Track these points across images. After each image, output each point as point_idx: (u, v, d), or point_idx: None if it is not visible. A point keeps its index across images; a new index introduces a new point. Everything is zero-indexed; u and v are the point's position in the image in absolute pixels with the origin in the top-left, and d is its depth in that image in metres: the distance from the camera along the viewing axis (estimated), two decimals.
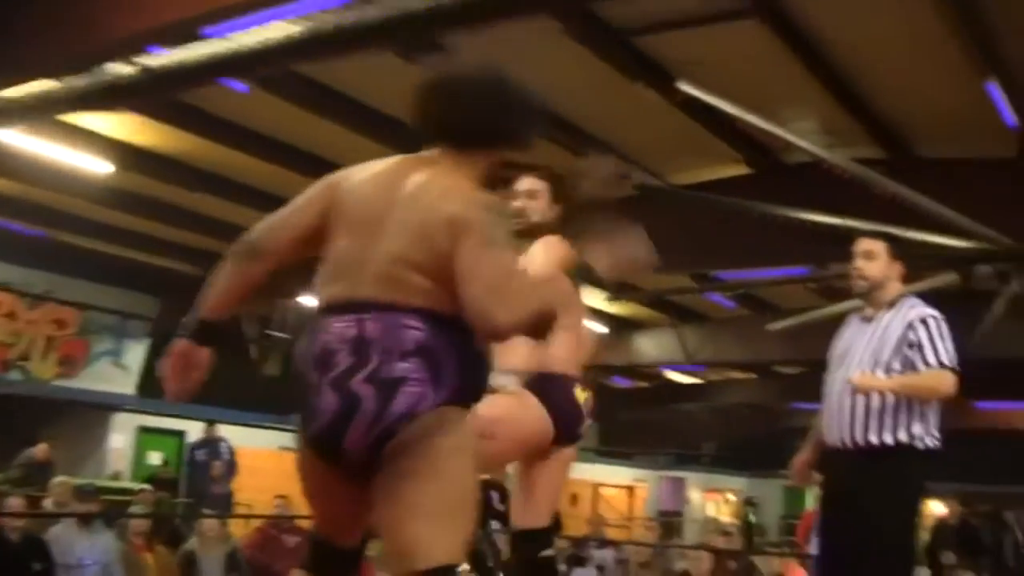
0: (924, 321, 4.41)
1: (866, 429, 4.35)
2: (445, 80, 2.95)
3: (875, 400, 4.35)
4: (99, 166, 11.43)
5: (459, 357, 2.69)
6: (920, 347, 4.38)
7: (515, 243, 2.91)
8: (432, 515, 2.64)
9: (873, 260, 4.57)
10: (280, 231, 2.93)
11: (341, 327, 2.69)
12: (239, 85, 9.76)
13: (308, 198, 2.94)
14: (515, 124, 2.95)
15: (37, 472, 13.08)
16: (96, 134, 11.30)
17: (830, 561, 4.59)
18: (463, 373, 2.69)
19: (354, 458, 2.69)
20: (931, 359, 4.35)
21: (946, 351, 4.35)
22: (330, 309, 2.76)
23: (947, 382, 4.33)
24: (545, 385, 3.73)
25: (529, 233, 3.80)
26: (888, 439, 4.31)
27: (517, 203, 3.83)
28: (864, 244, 4.62)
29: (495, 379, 3.51)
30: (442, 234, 2.68)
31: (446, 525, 2.66)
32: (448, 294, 2.67)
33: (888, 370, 4.37)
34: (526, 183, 3.92)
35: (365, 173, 2.92)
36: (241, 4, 6.93)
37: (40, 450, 13.36)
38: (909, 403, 4.32)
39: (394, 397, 2.62)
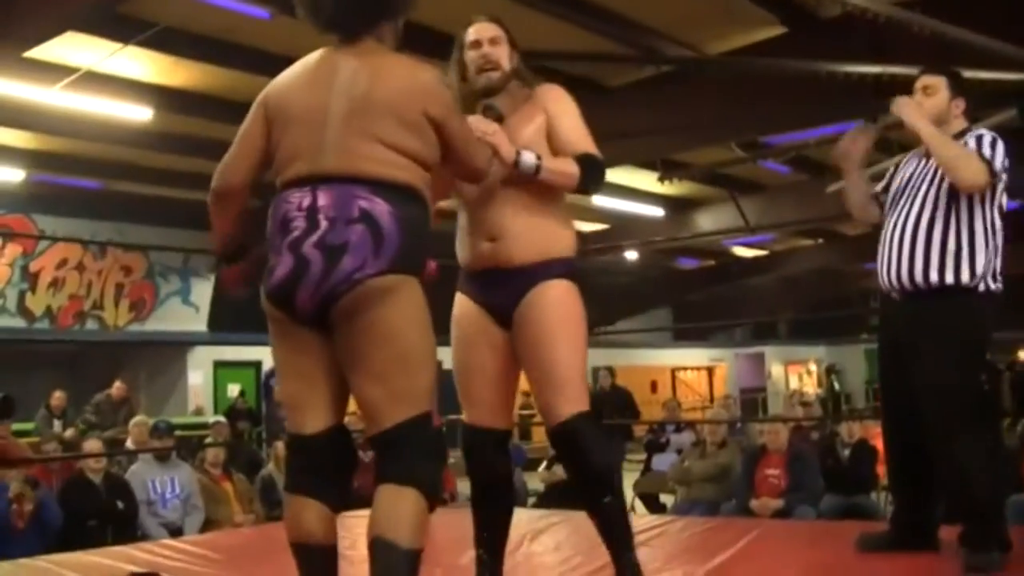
0: (978, 137, 4.17)
1: (926, 267, 4.12)
2: None
3: (920, 237, 4.16)
4: (139, 112, 11.49)
5: (403, 227, 2.89)
6: (968, 144, 4.16)
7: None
8: (385, 376, 2.89)
9: (932, 96, 4.34)
10: (234, 167, 3.18)
11: (298, 197, 2.93)
12: (260, 12, 9.72)
13: (248, 124, 3.17)
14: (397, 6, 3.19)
15: (113, 411, 13.37)
16: (129, 80, 11.36)
17: (894, 424, 4.43)
18: (405, 242, 2.89)
19: (305, 317, 2.93)
20: (972, 145, 4.13)
21: (990, 151, 4.09)
22: (289, 184, 2.98)
23: (974, 166, 4.06)
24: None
25: (504, 82, 3.70)
26: (949, 278, 4.08)
27: (483, 50, 3.69)
28: (923, 80, 4.38)
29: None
30: (414, 105, 2.99)
31: (400, 383, 2.90)
32: (403, 163, 2.96)
33: (948, 207, 4.16)
34: (488, 30, 3.73)
35: (292, 74, 3.14)
36: None
37: (116, 388, 13.62)
38: (962, 240, 4.12)
39: (338, 262, 2.84)
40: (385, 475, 2.90)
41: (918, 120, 4.20)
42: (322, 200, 2.88)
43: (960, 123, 4.32)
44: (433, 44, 6.07)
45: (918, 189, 4.27)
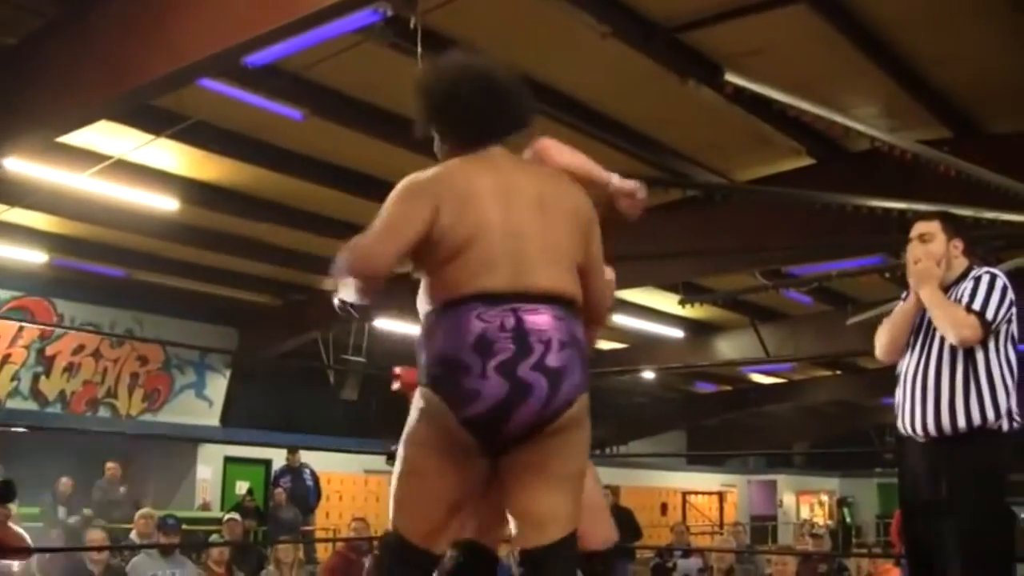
0: (977, 278, 4.25)
1: (938, 414, 4.13)
2: (488, 76, 3.12)
3: (944, 383, 4.18)
4: (165, 203, 11.58)
5: (586, 349, 3.00)
6: (963, 295, 4.23)
7: None
8: (569, 489, 2.99)
9: (930, 242, 4.41)
10: (387, 252, 2.97)
11: (497, 315, 2.88)
12: (293, 113, 9.84)
13: (408, 210, 2.99)
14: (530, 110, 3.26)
15: (111, 495, 13.35)
16: (158, 171, 11.47)
17: (917, 561, 4.37)
18: (587, 364, 2.98)
19: (510, 439, 2.91)
20: (965, 299, 4.19)
21: (984, 300, 4.15)
22: (478, 298, 2.90)
23: (962, 323, 4.11)
24: None
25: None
26: (976, 420, 4.09)
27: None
28: (918, 227, 4.47)
29: None
30: (586, 228, 3.12)
31: (574, 499, 3.01)
32: (579, 285, 3.05)
33: (966, 349, 4.15)
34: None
35: (461, 172, 3.05)
36: (279, 30, 6.94)
37: (109, 470, 13.61)
38: (981, 384, 4.14)
39: (559, 386, 2.87)
40: None
41: (923, 285, 4.30)
42: (531, 322, 2.87)
43: (961, 263, 4.40)
44: None
45: (935, 332, 4.27)
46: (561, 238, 3.00)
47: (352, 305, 3.14)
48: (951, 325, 4.16)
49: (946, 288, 4.33)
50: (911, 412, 4.24)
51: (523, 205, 2.99)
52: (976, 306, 4.16)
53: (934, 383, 4.19)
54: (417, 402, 2.97)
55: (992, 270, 4.34)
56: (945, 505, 4.09)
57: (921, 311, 4.35)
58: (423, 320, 3.00)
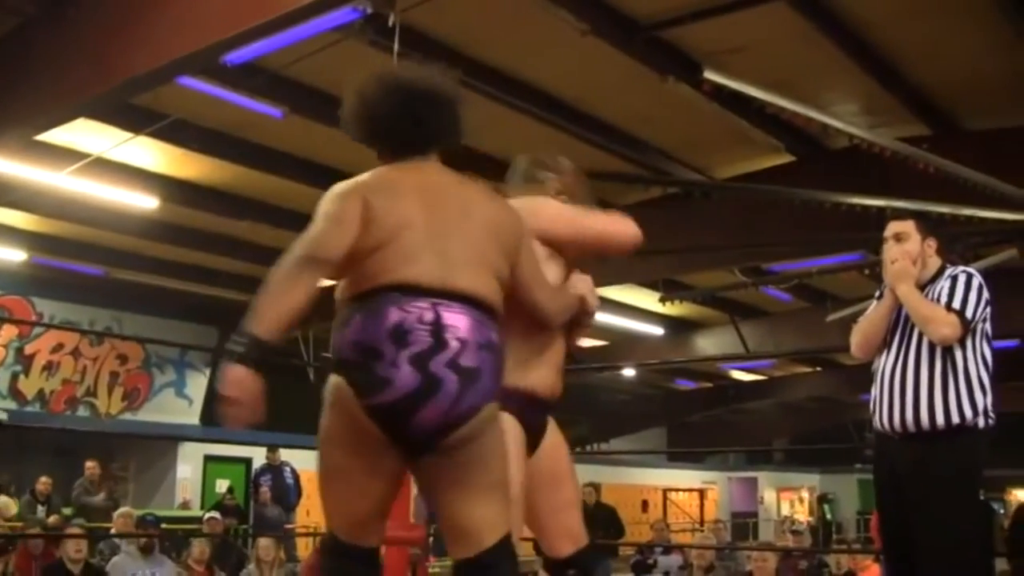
0: (954, 277, 4.29)
1: (916, 411, 4.16)
2: (408, 90, 3.11)
3: (924, 380, 4.20)
4: (145, 201, 11.55)
5: (503, 357, 2.95)
6: (941, 294, 4.26)
7: None
8: (493, 497, 2.94)
9: (905, 241, 4.44)
10: (336, 240, 2.91)
11: (417, 308, 2.81)
12: (273, 111, 9.83)
13: (345, 208, 2.95)
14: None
15: (91, 494, 13.36)
16: (138, 169, 11.45)
17: (895, 557, 4.39)
18: (503, 372, 2.95)
19: (417, 435, 2.83)
20: (943, 299, 4.23)
21: (963, 299, 4.19)
22: (398, 288, 2.84)
23: (943, 321, 4.16)
24: None
25: None
26: (955, 418, 4.12)
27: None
28: (893, 227, 4.50)
29: None
30: (512, 243, 3.08)
31: (502, 505, 2.97)
32: (500, 295, 3.00)
33: (944, 348, 4.20)
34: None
35: (390, 177, 3.07)
36: (258, 28, 6.93)
37: (89, 468, 13.61)
38: (959, 381, 4.17)
39: (471, 386, 2.81)
40: None
41: (900, 284, 4.33)
42: (450, 319, 2.81)
43: (936, 261, 4.43)
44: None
45: (911, 330, 4.31)
46: (484, 247, 2.97)
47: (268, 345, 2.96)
48: (931, 323, 4.19)
49: (922, 287, 4.36)
50: (888, 409, 4.26)
51: (448, 208, 2.99)
52: (955, 304, 4.19)
53: (912, 380, 4.21)
54: (326, 394, 2.91)
55: (968, 269, 4.38)
56: (923, 502, 4.12)
57: (897, 309, 4.38)
58: (339, 312, 2.92)
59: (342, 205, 2.97)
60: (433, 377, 2.75)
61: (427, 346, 2.76)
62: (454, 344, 2.78)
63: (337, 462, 2.97)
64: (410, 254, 2.88)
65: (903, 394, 4.22)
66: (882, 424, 4.31)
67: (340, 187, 3.03)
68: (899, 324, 4.37)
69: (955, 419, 4.12)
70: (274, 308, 2.82)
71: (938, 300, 4.25)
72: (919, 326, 4.24)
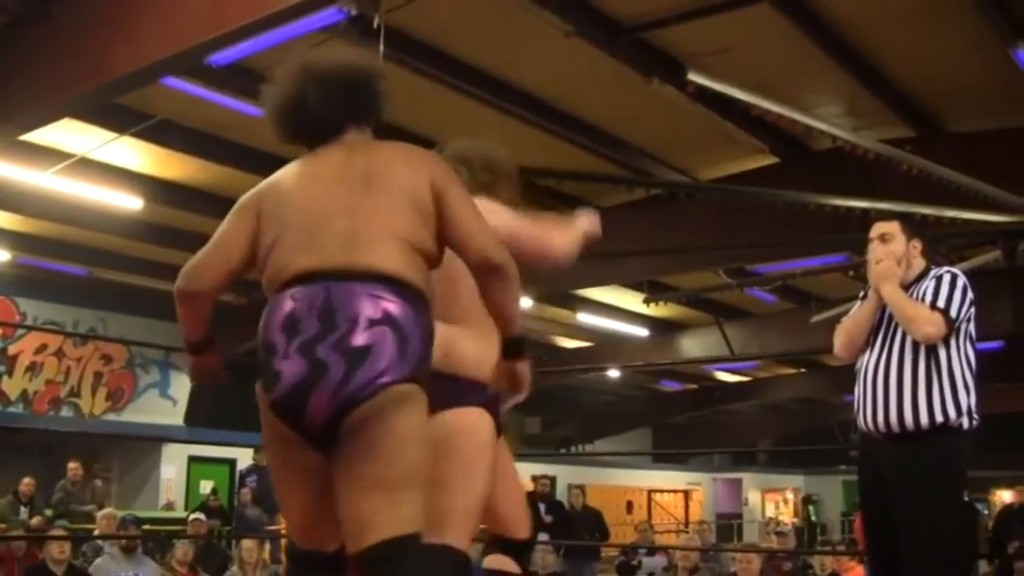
0: (938, 277, 4.29)
1: (900, 411, 4.15)
2: (324, 68, 3.02)
3: (907, 380, 4.19)
4: (129, 201, 11.51)
5: (425, 332, 2.70)
6: (926, 294, 4.26)
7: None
8: (384, 490, 2.63)
9: (890, 242, 4.43)
10: (206, 268, 2.98)
11: (307, 294, 2.68)
12: (258, 111, 9.79)
13: (228, 226, 2.97)
14: (380, 99, 3.08)
15: (80, 491, 13.33)
16: (122, 169, 11.42)
17: (879, 558, 4.39)
18: (426, 349, 2.70)
19: (316, 425, 2.65)
20: (928, 298, 4.23)
21: (947, 298, 4.19)
22: (292, 282, 2.74)
23: (928, 320, 4.15)
24: None
25: None
26: (938, 418, 4.11)
27: None
28: (878, 228, 4.50)
29: None
30: (427, 203, 2.82)
31: (398, 499, 2.65)
32: (413, 262, 2.76)
33: (928, 348, 4.20)
34: None
35: (286, 173, 2.98)
36: (243, 29, 6.92)
37: (71, 470, 13.59)
38: (943, 382, 4.16)
39: (360, 365, 2.60)
40: None
41: (884, 284, 4.32)
42: (339, 298, 2.65)
43: (920, 262, 4.43)
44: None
45: (895, 330, 4.31)
46: (389, 215, 2.77)
47: (197, 342, 3.17)
48: (915, 322, 4.19)
49: (906, 287, 4.36)
50: (872, 409, 4.25)
51: (350, 184, 2.83)
52: (940, 304, 4.19)
53: (896, 380, 4.21)
54: None
55: (952, 269, 4.38)
56: (906, 502, 4.12)
57: (881, 309, 4.39)
58: None
59: (228, 224, 2.99)
60: (319, 362, 2.60)
61: (315, 331, 2.62)
62: (343, 325, 2.61)
63: (274, 464, 2.87)
64: (305, 243, 2.78)
65: (887, 394, 4.21)
66: (866, 424, 4.30)
67: (240, 200, 3.02)
68: (883, 324, 4.36)
69: (939, 419, 4.11)
70: (186, 326, 3.13)
71: (922, 300, 4.25)
72: (903, 325, 4.24)
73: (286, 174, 2.96)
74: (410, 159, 2.92)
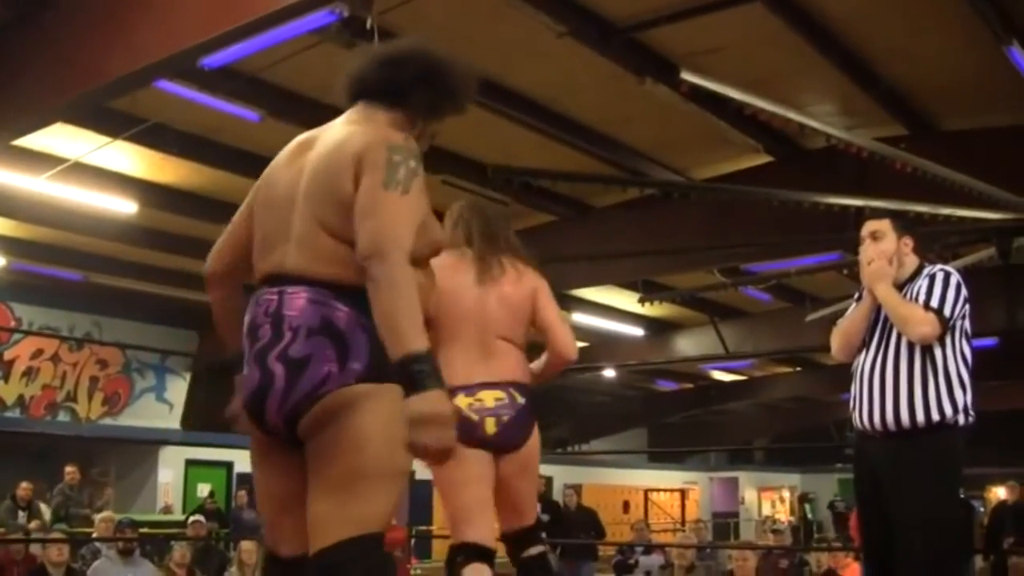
0: (932, 276, 4.29)
1: (896, 410, 4.16)
2: (369, 49, 3.00)
3: (903, 378, 4.19)
4: (123, 206, 11.49)
5: (370, 333, 2.57)
6: (919, 293, 4.26)
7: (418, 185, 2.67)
8: (336, 491, 2.57)
9: (881, 240, 4.43)
10: (217, 251, 2.97)
11: (266, 300, 2.69)
12: (250, 114, 9.82)
13: (240, 209, 2.95)
14: (422, 83, 2.87)
15: (72, 497, 13.35)
16: (116, 174, 11.41)
17: (875, 556, 4.39)
18: (376, 350, 2.56)
19: (273, 431, 2.69)
20: (921, 298, 4.22)
21: (940, 297, 4.19)
22: (261, 282, 2.75)
23: (921, 320, 4.15)
24: None
25: None
26: (934, 416, 4.11)
27: None
28: (869, 226, 4.50)
29: None
30: (345, 177, 2.64)
31: (351, 500, 2.57)
32: (343, 261, 2.62)
33: (923, 347, 4.18)
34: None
35: (281, 154, 2.91)
36: (236, 31, 6.92)
37: (68, 474, 13.62)
38: (939, 379, 4.16)
39: (300, 376, 2.59)
40: None
41: (877, 285, 4.32)
42: (286, 307, 2.64)
43: (913, 260, 4.43)
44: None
45: (891, 329, 4.31)
46: (314, 207, 2.67)
47: (217, 360, 3.11)
48: (909, 322, 4.20)
49: (899, 286, 4.36)
50: (868, 408, 4.26)
51: (301, 174, 2.74)
52: (934, 303, 4.19)
53: (892, 379, 4.22)
54: None
55: (945, 267, 4.39)
56: (902, 500, 4.12)
57: (876, 309, 4.40)
58: None
59: (240, 207, 2.96)
60: (268, 372, 2.62)
61: (267, 340, 2.64)
62: (287, 335, 2.61)
63: (254, 464, 2.86)
64: (265, 241, 2.77)
65: (883, 392, 4.22)
66: (862, 423, 4.30)
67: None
68: (878, 323, 4.37)
69: (935, 416, 4.12)
70: (220, 329, 2.97)
71: (916, 299, 4.25)
72: (898, 326, 4.25)
73: (278, 157, 2.91)
74: (344, 147, 2.70)
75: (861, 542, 4.67)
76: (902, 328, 4.23)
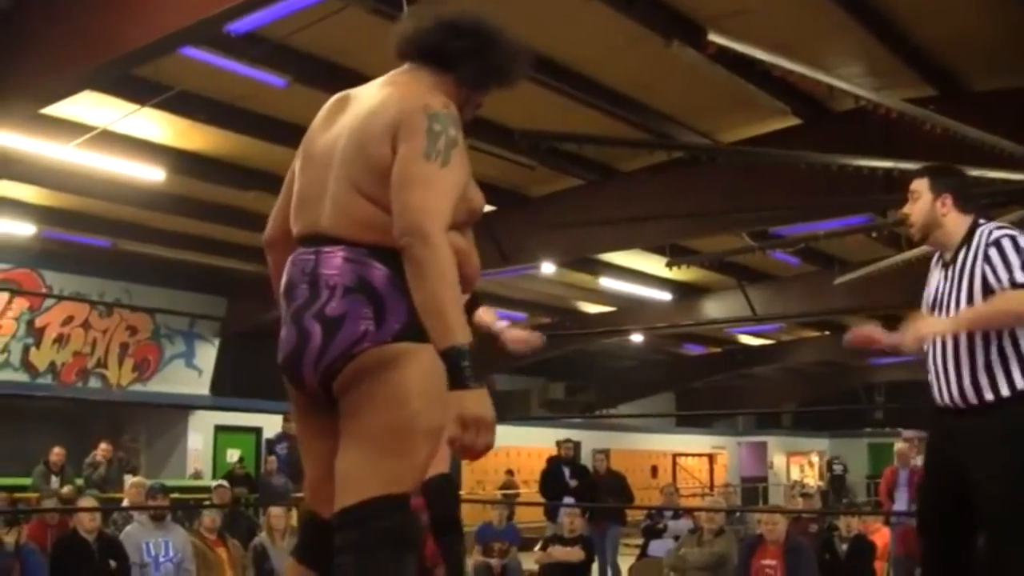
0: (997, 243, 4.03)
1: (976, 383, 4.00)
2: (424, 10, 2.91)
3: (979, 352, 4.00)
4: (151, 173, 11.54)
5: (408, 294, 2.53)
6: (994, 271, 4.00)
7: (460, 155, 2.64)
8: (370, 446, 2.56)
9: (916, 201, 4.24)
10: (273, 215, 2.94)
11: (302, 260, 2.69)
12: (277, 80, 9.82)
13: (288, 173, 2.91)
14: (474, 53, 2.84)
15: (101, 472, 13.47)
16: (144, 141, 11.45)
17: (939, 532, 4.22)
18: (412, 309, 2.54)
19: (311, 390, 2.68)
20: (1003, 277, 3.98)
21: (1020, 265, 3.94)
22: (299, 241, 2.73)
23: (1019, 300, 3.93)
24: None
25: None
26: (1004, 391, 3.95)
27: None
28: (911, 186, 4.29)
29: None
30: (383, 142, 2.62)
31: (385, 456, 2.56)
32: (380, 221, 2.59)
33: None
34: None
35: (320, 112, 2.88)
36: None
37: (100, 451, 13.73)
38: (1009, 351, 3.98)
39: (336, 334, 2.59)
40: (341, 564, 2.54)
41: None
42: (323, 266, 2.63)
43: (956, 219, 4.21)
44: None
45: (948, 305, 4.14)
46: (350, 169, 2.65)
47: None
48: (1008, 313, 3.99)
49: (952, 250, 4.18)
50: (946, 382, 4.10)
51: (338, 134, 2.73)
52: (1018, 275, 3.96)
53: (967, 353, 4.04)
54: None
55: (1005, 229, 4.11)
56: (984, 474, 3.98)
57: (938, 284, 4.21)
58: None
59: (288, 173, 2.92)
60: (304, 331, 2.62)
61: (304, 299, 2.64)
62: (324, 293, 2.61)
63: (297, 426, 2.89)
64: (301, 199, 2.75)
65: (958, 367, 4.06)
66: (941, 398, 4.15)
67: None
68: (941, 301, 4.19)
69: (1005, 392, 3.97)
70: (278, 292, 2.82)
71: (995, 275, 4.02)
72: (1010, 326, 4.01)
73: (317, 117, 2.88)
74: (385, 109, 2.67)
75: (919, 521, 4.45)
76: (1007, 321, 4.00)
